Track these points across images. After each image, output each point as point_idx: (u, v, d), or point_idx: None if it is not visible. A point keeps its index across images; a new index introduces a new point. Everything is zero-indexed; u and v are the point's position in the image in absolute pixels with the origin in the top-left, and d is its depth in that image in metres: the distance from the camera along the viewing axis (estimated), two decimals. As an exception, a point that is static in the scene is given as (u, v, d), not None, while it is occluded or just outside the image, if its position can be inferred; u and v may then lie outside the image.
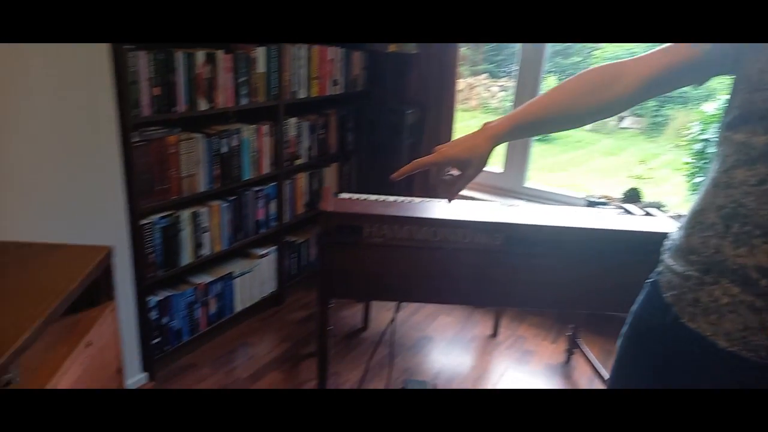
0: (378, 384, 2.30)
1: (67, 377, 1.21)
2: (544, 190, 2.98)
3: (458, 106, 2.97)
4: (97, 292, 1.42)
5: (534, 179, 3.07)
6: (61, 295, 1.17)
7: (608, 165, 5.70)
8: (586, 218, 1.83)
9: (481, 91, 5.86)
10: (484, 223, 1.72)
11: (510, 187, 3.03)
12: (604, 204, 2.20)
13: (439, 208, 1.82)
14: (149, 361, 2.26)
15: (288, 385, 2.32)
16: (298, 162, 2.87)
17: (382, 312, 2.92)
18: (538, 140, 3.00)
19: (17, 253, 1.34)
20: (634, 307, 1.01)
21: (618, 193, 2.40)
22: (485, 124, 1.05)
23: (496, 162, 3.08)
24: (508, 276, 1.79)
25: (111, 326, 1.45)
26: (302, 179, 2.94)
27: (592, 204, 2.18)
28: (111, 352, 1.46)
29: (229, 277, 2.58)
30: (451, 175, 1.08)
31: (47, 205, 1.76)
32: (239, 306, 2.69)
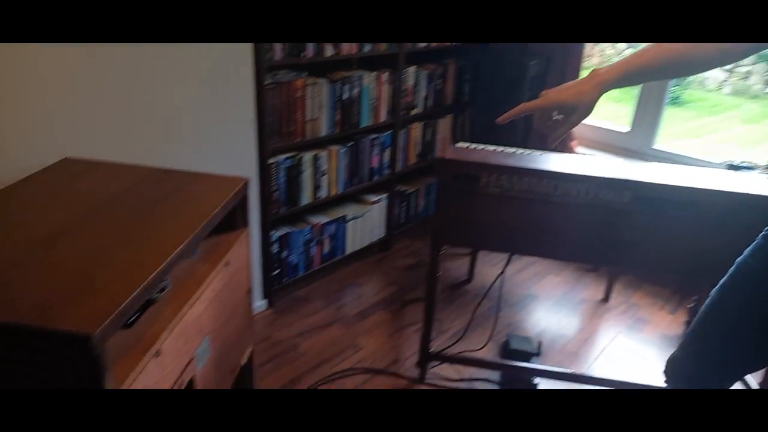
0: (481, 335, 2.33)
1: (209, 290, 1.35)
2: (676, 153, 2.76)
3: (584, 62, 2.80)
4: (234, 218, 1.55)
5: (664, 144, 2.85)
6: (207, 217, 1.30)
7: (751, 133, 5.12)
8: (728, 182, 1.68)
9: (606, 47, 5.47)
10: (613, 179, 1.64)
11: (637, 148, 2.83)
12: (749, 168, 2.00)
13: (560, 162, 1.76)
14: (269, 290, 2.44)
15: (393, 326, 2.42)
16: (414, 112, 2.87)
17: (487, 267, 2.91)
18: (667, 103, 2.75)
19: (173, 179, 1.49)
20: (740, 258, 1.05)
21: (765, 161, 2.16)
22: (594, 71, 1.02)
23: (623, 120, 2.89)
24: (632, 237, 1.71)
25: (244, 250, 1.58)
26: (416, 129, 2.95)
27: (734, 168, 2.00)
28: (243, 274, 1.60)
29: (342, 220, 2.69)
30: (557, 120, 1.07)
31: (193, 141, 1.93)
32: (350, 248, 2.80)
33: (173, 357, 1.18)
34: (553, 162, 1.76)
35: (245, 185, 1.53)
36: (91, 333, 0.88)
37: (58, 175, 1.46)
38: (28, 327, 0.89)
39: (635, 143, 2.84)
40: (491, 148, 1.90)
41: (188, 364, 1.27)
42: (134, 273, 1.05)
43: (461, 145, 1.94)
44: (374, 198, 2.84)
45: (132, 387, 1.02)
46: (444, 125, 3.11)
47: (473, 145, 1.92)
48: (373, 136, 2.69)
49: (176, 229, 1.22)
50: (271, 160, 2.26)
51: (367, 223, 2.84)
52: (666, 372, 1.30)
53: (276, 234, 2.40)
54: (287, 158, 2.32)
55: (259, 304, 2.44)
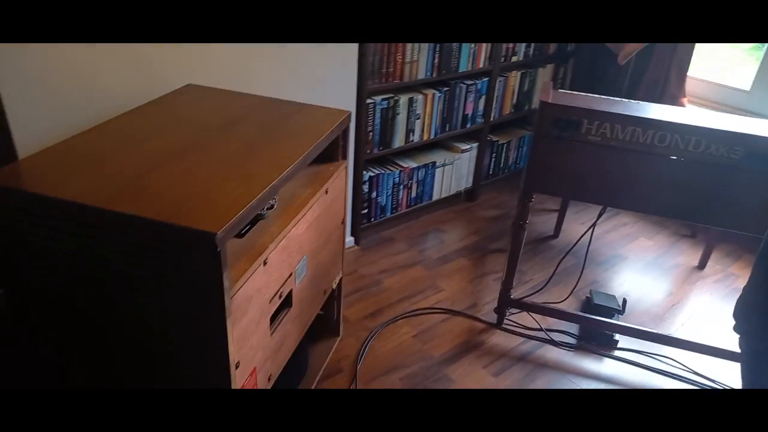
0: (563, 289, 2.31)
1: (310, 213, 1.45)
2: (801, 115, 2.52)
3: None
4: (334, 149, 1.63)
5: (789, 103, 2.61)
6: (314, 142, 1.38)
7: None
8: None
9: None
10: (725, 131, 1.55)
11: (757, 109, 2.62)
12: None
13: (668, 113, 1.68)
14: (356, 228, 2.55)
15: (474, 273, 2.46)
16: (514, 59, 2.80)
17: (575, 224, 2.85)
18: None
19: (283, 108, 1.59)
20: None
21: None
22: None
23: (744, 81, 2.66)
24: (739, 197, 1.62)
25: (342, 181, 1.66)
26: (514, 78, 2.88)
27: None
28: (340, 204, 1.69)
29: (432, 166, 2.72)
30: None
31: (298, 76, 2.00)
32: (437, 195, 2.84)
33: (277, 268, 1.29)
34: (661, 112, 1.68)
35: (348, 117, 1.60)
36: (215, 232, 0.99)
37: (182, 99, 1.59)
38: (163, 223, 1.01)
39: (755, 103, 2.62)
40: (596, 96, 1.84)
41: (289, 277, 1.38)
42: (252, 185, 1.15)
43: (564, 91, 1.90)
44: (465, 146, 2.84)
45: (241, 290, 1.13)
46: (544, 75, 3.02)
47: (577, 93, 1.87)
48: (470, 82, 2.67)
49: (287, 151, 1.31)
50: (369, 101, 2.31)
51: (455, 170, 2.85)
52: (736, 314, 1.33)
53: (367, 174, 2.48)
54: (384, 99, 2.37)
55: (347, 240, 2.55)
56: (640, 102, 1.78)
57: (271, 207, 1.36)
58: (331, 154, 1.63)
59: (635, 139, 1.66)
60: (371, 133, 2.38)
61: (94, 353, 1.25)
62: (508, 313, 2.19)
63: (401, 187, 2.65)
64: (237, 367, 1.18)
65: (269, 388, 1.41)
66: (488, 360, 1.99)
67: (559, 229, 2.78)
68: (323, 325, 1.98)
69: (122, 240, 1.06)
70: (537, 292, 2.27)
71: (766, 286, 1.25)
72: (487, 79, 2.73)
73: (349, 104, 2.23)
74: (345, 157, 1.66)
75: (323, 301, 1.72)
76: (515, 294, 2.25)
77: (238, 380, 1.20)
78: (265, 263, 1.22)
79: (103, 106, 1.56)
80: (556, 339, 2.10)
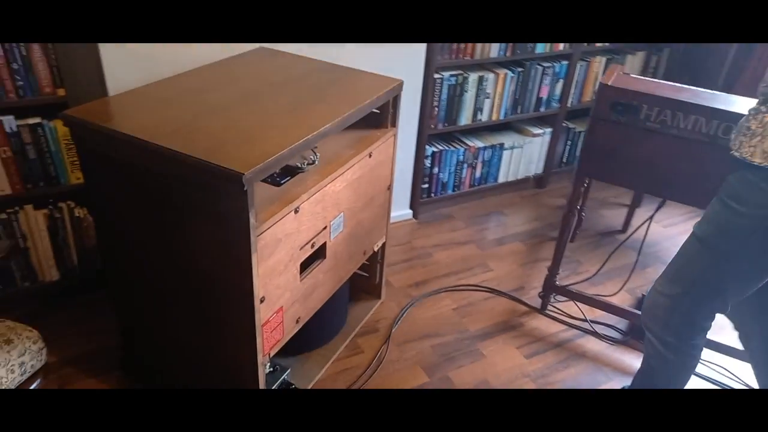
0: (617, 283, 2.24)
1: (350, 173, 1.53)
2: None
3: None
4: (385, 117, 1.69)
5: None
6: (355, 106, 1.45)
7: None
8: None
9: None
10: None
11: None
12: None
13: (737, 104, 1.57)
14: (415, 201, 2.61)
15: (527, 258, 2.44)
16: (600, 44, 2.70)
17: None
18: None
19: (339, 72, 1.68)
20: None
21: None
22: None
23: None
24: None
25: (389, 149, 1.73)
26: (598, 63, 2.77)
27: None
28: (385, 170, 1.75)
29: (500, 147, 2.71)
30: None
31: (367, 46, 2.08)
32: (503, 177, 2.82)
33: (309, 218, 1.39)
34: (728, 103, 1.58)
35: (399, 86, 1.66)
36: (243, 173, 1.10)
37: (251, 59, 1.73)
38: (202, 161, 1.13)
39: None
40: (667, 82, 1.75)
41: (323, 229, 1.48)
42: (288, 137, 1.25)
43: (633, 76, 1.83)
44: (537, 130, 2.79)
45: (269, 231, 1.24)
46: (633, 63, 2.87)
47: (647, 78, 1.79)
48: (547, 64, 2.61)
49: (329, 111, 1.40)
50: (437, 76, 2.34)
51: (525, 155, 2.81)
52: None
53: (430, 149, 2.52)
54: (452, 75, 2.39)
55: (405, 212, 2.62)
56: (709, 91, 1.68)
57: (312, 162, 1.46)
58: (380, 120, 1.69)
59: (697, 129, 1.57)
60: (436, 108, 2.42)
61: (153, 267, 1.43)
62: (553, 300, 2.16)
63: (465, 165, 2.66)
64: (262, 301, 1.30)
65: (297, 329, 1.52)
66: (524, 341, 1.99)
67: (627, 223, 2.67)
68: (366, 287, 2.08)
69: (173, 173, 1.20)
70: (584, 281, 2.22)
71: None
72: (566, 62, 2.65)
73: (416, 78, 2.28)
74: (395, 125, 1.72)
75: (362, 261, 1.81)
76: (566, 282, 2.21)
77: (263, 314, 1.32)
78: (296, 211, 1.33)
79: (184, 60, 1.73)
80: (600, 332, 2.05)
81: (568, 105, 2.79)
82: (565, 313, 2.13)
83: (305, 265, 1.48)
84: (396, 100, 1.68)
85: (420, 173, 2.53)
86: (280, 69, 1.65)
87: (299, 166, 1.43)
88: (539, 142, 2.83)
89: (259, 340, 1.34)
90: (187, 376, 1.57)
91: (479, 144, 2.65)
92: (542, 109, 2.74)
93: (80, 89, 1.82)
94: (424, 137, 2.44)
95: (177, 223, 1.28)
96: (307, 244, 1.43)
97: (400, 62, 2.20)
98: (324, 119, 1.35)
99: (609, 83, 1.68)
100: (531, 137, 2.78)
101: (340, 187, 1.50)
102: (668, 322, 1.39)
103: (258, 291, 1.27)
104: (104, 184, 1.35)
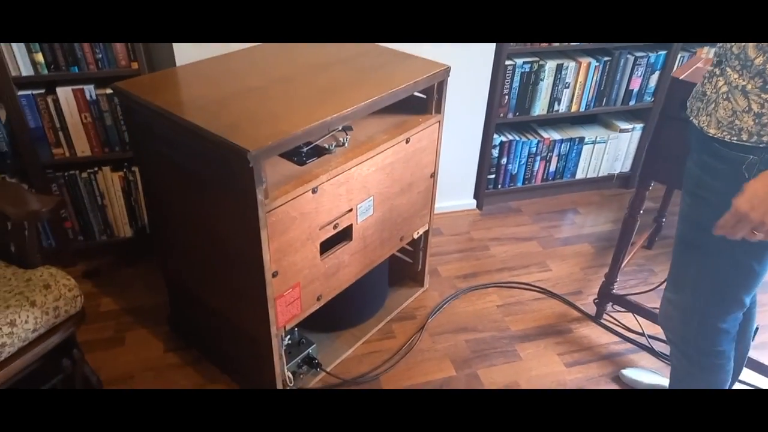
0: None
1: (381, 157, 1.52)
2: None
3: None
4: (427, 103, 1.65)
5: None
6: (388, 90, 1.43)
7: None
8: None
9: None
10: None
11: None
12: None
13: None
14: (480, 192, 2.53)
15: (593, 261, 2.28)
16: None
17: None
18: None
19: (387, 56, 1.66)
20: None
21: None
22: None
23: None
24: None
25: (432, 136, 1.69)
26: (705, 55, 2.48)
27: None
28: (428, 158, 1.72)
29: (579, 141, 2.54)
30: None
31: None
32: (581, 173, 2.64)
33: (330, 198, 1.41)
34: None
35: (444, 72, 1.61)
36: (249, 150, 1.13)
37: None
38: (215, 136, 1.19)
39: None
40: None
41: (348, 211, 1.49)
42: (311, 117, 1.27)
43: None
44: (626, 125, 2.57)
45: (281, 208, 1.28)
46: (745, 55, 2.53)
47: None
48: (640, 54, 2.38)
49: (362, 94, 1.40)
50: (508, 62, 2.23)
51: (609, 151, 2.61)
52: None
53: (498, 138, 2.42)
54: (526, 63, 2.26)
55: (468, 202, 2.55)
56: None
57: (342, 144, 1.47)
58: (425, 106, 1.66)
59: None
60: (507, 97, 2.31)
61: (188, 234, 1.53)
62: (610, 309, 2.00)
63: (538, 158, 2.53)
64: (275, 275, 1.35)
65: (318, 306, 1.56)
66: (567, 349, 1.87)
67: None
68: (409, 273, 2.07)
69: (196, 147, 1.27)
70: (644, 292, 2.03)
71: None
72: (664, 52, 2.40)
73: (485, 64, 2.19)
74: (439, 111, 1.67)
75: (397, 247, 1.80)
76: (630, 292, 2.04)
77: (276, 288, 1.37)
78: (314, 191, 1.35)
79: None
80: (657, 348, 1.87)
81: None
82: (621, 324, 1.97)
83: (328, 246, 1.50)
84: (441, 86, 1.63)
85: (486, 163, 2.45)
86: (327, 52, 1.67)
87: (327, 147, 1.44)
88: (627, 138, 2.60)
89: (271, 312, 1.39)
90: (218, 339, 1.67)
91: (555, 136, 2.50)
92: (632, 103, 2.51)
93: (156, 62, 1.98)
94: (491, 126, 2.35)
95: (203, 194, 1.35)
96: (328, 224, 1.45)
97: (468, 47, 2.12)
98: (351, 102, 1.35)
99: (681, 77, 1.50)
100: (618, 132, 2.57)
101: (370, 171, 1.50)
102: (684, 332, 1.26)
103: (269, 265, 1.31)
104: (147, 153, 1.46)
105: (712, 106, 1.05)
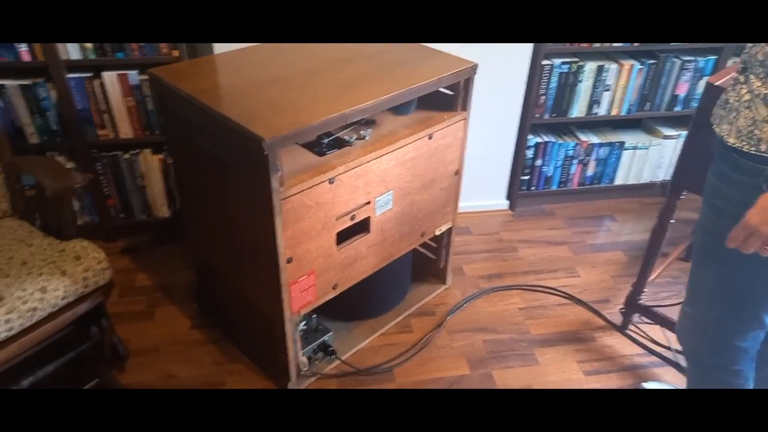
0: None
1: (402, 152, 1.53)
2: None
3: None
4: (453, 100, 1.65)
5: None
6: (408, 86, 1.44)
7: None
8: None
9: None
10: None
11: None
12: None
13: None
14: (513, 193, 2.49)
15: (624, 270, 2.22)
16: (759, 37, 2.28)
17: None
18: None
19: (415, 51, 1.67)
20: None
21: None
22: None
23: None
24: None
25: (458, 133, 1.69)
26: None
27: None
28: (452, 154, 1.72)
29: (619, 146, 2.46)
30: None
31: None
32: (620, 179, 2.57)
33: (347, 190, 1.44)
34: None
35: (470, 69, 1.60)
36: (264, 138, 1.17)
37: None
38: (234, 123, 1.23)
39: None
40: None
41: (365, 204, 1.51)
42: (329, 109, 1.30)
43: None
44: (670, 132, 2.48)
45: (296, 196, 1.31)
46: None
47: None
48: (688, 58, 2.29)
49: (382, 89, 1.42)
50: (546, 62, 2.19)
51: (651, 157, 2.52)
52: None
53: (534, 139, 2.38)
54: (565, 63, 2.21)
55: (500, 202, 2.52)
56: None
57: (362, 138, 1.49)
58: (450, 103, 1.66)
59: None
60: (543, 97, 2.27)
61: (213, 217, 1.60)
62: (638, 320, 1.94)
63: (575, 161, 2.47)
64: (289, 261, 1.39)
65: (334, 294, 1.59)
66: (588, 357, 1.84)
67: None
68: (432, 269, 2.07)
69: (217, 132, 1.33)
70: (673, 305, 1.95)
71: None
72: (714, 57, 2.30)
73: (522, 63, 2.16)
74: (465, 108, 1.67)
75: (417, 243, 1.81)
76: (661, 303, 1.98)
77: (290, 274, 1.41)
78: (330, 182, 1.38)
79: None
80: (683, 364, 1.80)
81: (713, 106, 2.42)
82: (647, 336, 1.91)
83: (345, 236, 1.52)
84: (468, 83, 1.62)
85: (520, 164, 2.41)
86: (353, 47, 1.69)
87: (348, 139, 1.47)
88: (671, 145, 2.51)
89: (285, 297, 1.43)
90: (239, 319, 1.73)
91: (594, 140, 2.44)
92: (678, 109, 2.42)
93: (197, 50, 2.06)
94: (526, 126, 2.32)
95: (225, 179, 1.41)
96: (345, 215, 1.47)
97: (505, 48, 2.10)
98: (370, 96, 1.37)
99: (717, 83, 1.44)
100: (661, 139, 2.48)
101: (390, 165, 1.51)
102: (699, 346, 1.23)
103: (283, 251, 1.35)
104: (177, 137, 1.53)
105: (734, 114, 1.01)
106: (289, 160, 1.38)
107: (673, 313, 1.89)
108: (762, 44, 0.95)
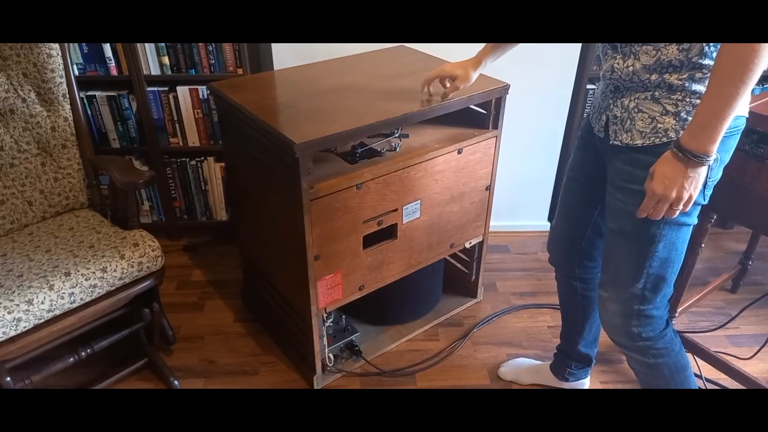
0: (754, 350, 1.86)
1: (431, 164, 1.63)
2: None
3: None
4: (484, 118, 1.74)
5: None
6: (435, 104, 1.55)
7: None
8: None
9: None
10: None
11: None
12: None
13: None
14: (554, 214, 2.50)
15: (664, 297, 2.17)
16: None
17: None
18: None
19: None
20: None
21: None
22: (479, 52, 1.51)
23: None
24: None
25: (488, 150, 1.76)
26: (821, 90, 2.27)
27: None
28: (483, 170, 1.79)
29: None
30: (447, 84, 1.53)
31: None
32: (670, 207, 2.52)
33: (374, 196, 1.55)
34: None
35: (502, 89, 1.69)
36: (294, 142, 1.32)
37: (385, 54, 1.94)
38: (272, 129, 1.39)
39: None
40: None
41: (393, 211, 1.62)
42: (359, 119, 1.43)
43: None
44: (724, 161, 2.41)
45: (325, 198, 1.44)
46: None
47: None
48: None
49: (417, 103, 1.53)
50: (590, 87, 2.23)
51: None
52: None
53: (577, 162, 2.40)
54: (609, 88, 2.23)
55: (542, 224, 2.55)
56: None
57: (394, 149, 1.61)
58: (478, 122, 1.75)
59: None
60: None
61: (258, 218, 1.76)
62: (670, 347, 1.91)
63: (621, 186, 2.46)
64: (316, 258, 1.51)
65: (360, 295, 1.70)
66: (612, 378, 1.83)
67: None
68: (464, 282, 2.14)
69: (262, 138, 1.49)
70: (706, 331, 1.90)
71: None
72: (772, 85, 2.24)
73: (565, 86, 2.21)
74: (496, 126, 1.75)
75: (446, 254, 1.89)
76: (691, 329, 1.94)
77: (318, 271, 1.54)
78: (358, 187, 1.50)
79: (335, 49, 2.02)
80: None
81: (771, 136, 2.34)
82: (679, 364, 1.87)
83: (373, 240, 1.64)
84: (499, 102, 1.71)
85: (562, 186, 2.43)
86: (400, 65, 1.83)
87: (379, 150, 1.59)
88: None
89: (312, 292, 1.56)
90: (277, 314, 1.87)
91: (641, 166, 2.42)
92: (732, 137, 2.35)
93: (260, 68, 2.27)
94: (569, 149, 2.35)
95: (268, 182, 1.57)
96: (372, 220, 1.58)
97: (550, 71, 2.16)
98: (400, 111, 1.49)
99: (757, 110, 1.44)
100: (714, 167, 2.42)
101: (418, 176, 1.62)
102: (626, 327, 1.30)
103: (311, 248, 1.48)
104: (231, 144, 1.71)
105: (628, 122, 1.13)
106: (323, 167, 1.51)
107: (709, 343, 1.85)
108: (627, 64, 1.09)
